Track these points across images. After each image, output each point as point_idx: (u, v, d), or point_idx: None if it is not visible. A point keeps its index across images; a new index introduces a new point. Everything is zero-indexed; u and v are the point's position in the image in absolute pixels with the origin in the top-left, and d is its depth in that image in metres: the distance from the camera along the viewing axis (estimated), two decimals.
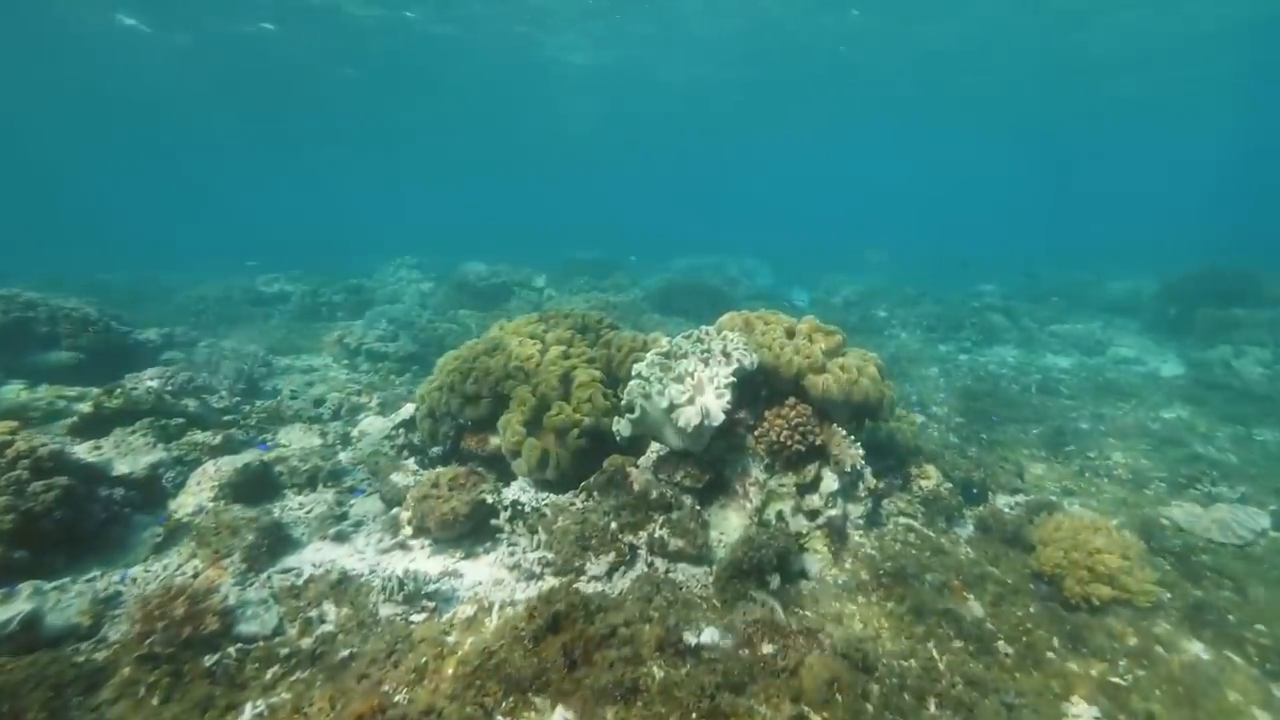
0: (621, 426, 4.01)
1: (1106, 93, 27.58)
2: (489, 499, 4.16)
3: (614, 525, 3.92)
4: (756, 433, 4.24)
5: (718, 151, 50.84)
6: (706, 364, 4.19)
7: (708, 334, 4.57)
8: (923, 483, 4.81)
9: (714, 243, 24.24)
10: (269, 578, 3.93)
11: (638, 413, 3.93)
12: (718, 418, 3.89)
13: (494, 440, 5.12)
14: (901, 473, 4.96)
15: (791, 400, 4.25)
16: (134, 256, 26.35)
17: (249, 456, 4.84)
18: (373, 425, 6.01)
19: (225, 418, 6.31)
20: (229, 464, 4.75)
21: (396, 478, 4.73)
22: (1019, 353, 13.03)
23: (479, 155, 52.68)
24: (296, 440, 5.87)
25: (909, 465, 5.05)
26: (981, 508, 4.94)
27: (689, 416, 3.85)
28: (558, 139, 41.68)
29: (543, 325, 6.19)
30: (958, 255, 28.11)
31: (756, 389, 4.58)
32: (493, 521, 4.14)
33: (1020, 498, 5.03)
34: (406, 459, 5.22)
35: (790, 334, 4.71)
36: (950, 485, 4.81)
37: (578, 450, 4.65)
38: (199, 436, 5.32)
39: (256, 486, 4.84)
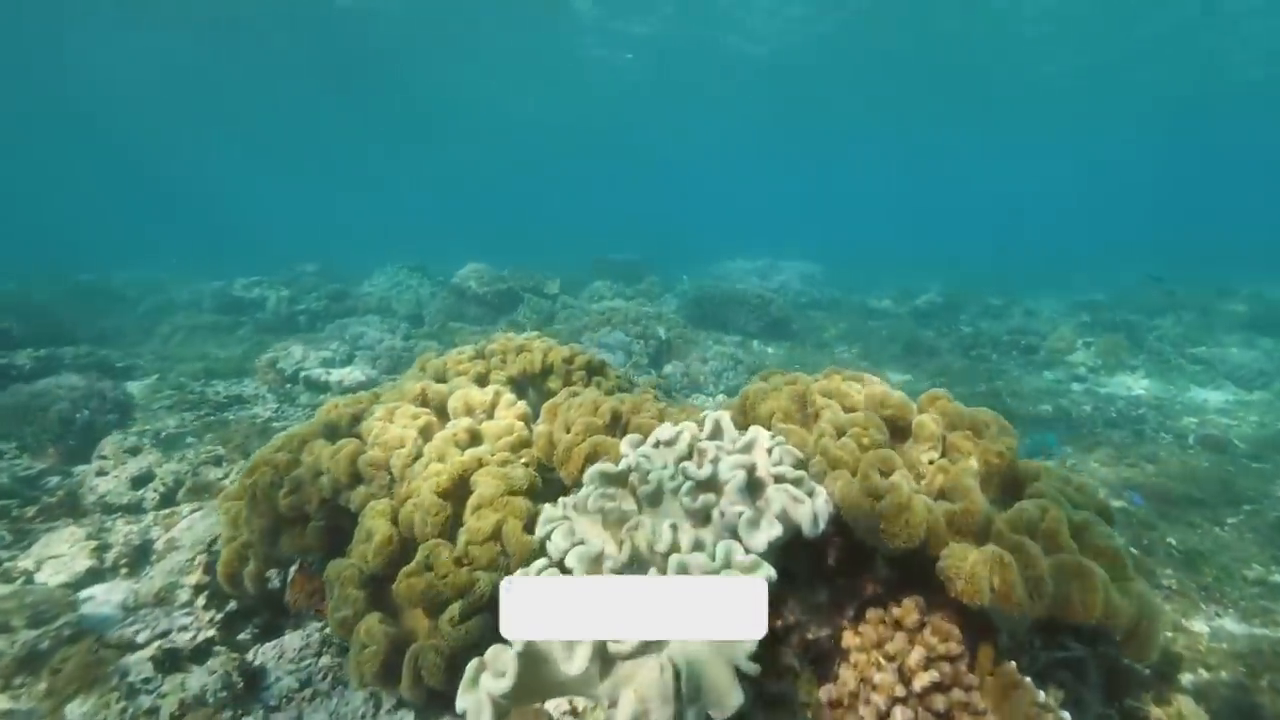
0: (469, 706, 1.59)
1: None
2: None
3: None
4: (826, 691, 1.77)
5: (771, 146, 47.85)
6: (705, 520, 1.75)
7: (716, 432, 2.11)
8: None
9: (759, 245, 21.67)
10: None
11: (510, 678, 1.52)
12: (728, 706, 1.45)
13: None
14: (1114, 701, 2.40)
15: (912, 607, 1.76)
16: (141, 256, 25.60)
17: None
18: (194, 530, 3.78)
19: None
20: None
21: (77, 708, 2.42)
22: (1150, 383, 10.01)
23: (502, 152, 51.22)
24: (52, 556, 3.67)
25: (1124, 679, 2.49)
26: None
27: (645, 698, 1.42)
28: (595, 132, 39.63)
29: (481, 364, 3.86)
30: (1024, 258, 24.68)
31: (821, 547, 2.14)
32: None
33: None
34: (168, 627, 2.90)
35: (896, 428, 2.20)
36: None
37: (463, 642, 2.29)
38: None
39: None
